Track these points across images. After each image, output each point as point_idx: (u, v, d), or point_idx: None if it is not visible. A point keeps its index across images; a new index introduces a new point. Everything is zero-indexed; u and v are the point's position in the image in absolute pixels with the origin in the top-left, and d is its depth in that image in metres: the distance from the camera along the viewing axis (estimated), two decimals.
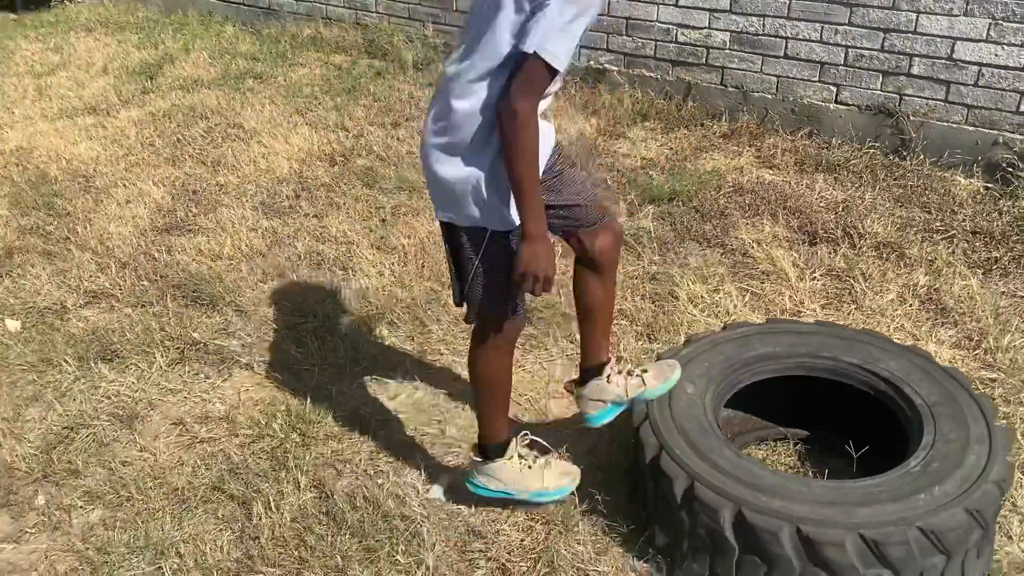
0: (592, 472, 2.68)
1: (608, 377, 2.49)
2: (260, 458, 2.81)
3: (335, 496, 2.64)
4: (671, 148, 4.58)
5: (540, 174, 2.05)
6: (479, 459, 2.46)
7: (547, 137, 2.15)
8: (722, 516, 2.13)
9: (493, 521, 2.53)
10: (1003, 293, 3.36)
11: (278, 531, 2.52)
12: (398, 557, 2.42)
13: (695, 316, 3.31)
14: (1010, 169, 4.04)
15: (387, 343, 3.34)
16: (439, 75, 2.32)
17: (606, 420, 2.54)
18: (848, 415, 2.67)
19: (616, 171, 4.37)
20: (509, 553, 2.42)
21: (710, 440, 2.32)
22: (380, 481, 2.70)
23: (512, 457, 2.44)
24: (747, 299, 3.43)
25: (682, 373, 2.54)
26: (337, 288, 3.66)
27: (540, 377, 3.13)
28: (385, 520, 2.55)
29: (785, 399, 2.73)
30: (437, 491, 2.66)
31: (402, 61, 5.75)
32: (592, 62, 5.24)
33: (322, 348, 3.31)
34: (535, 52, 1.87)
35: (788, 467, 2.71)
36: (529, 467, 2.45)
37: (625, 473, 2.62)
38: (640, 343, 3.21)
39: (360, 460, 2.79)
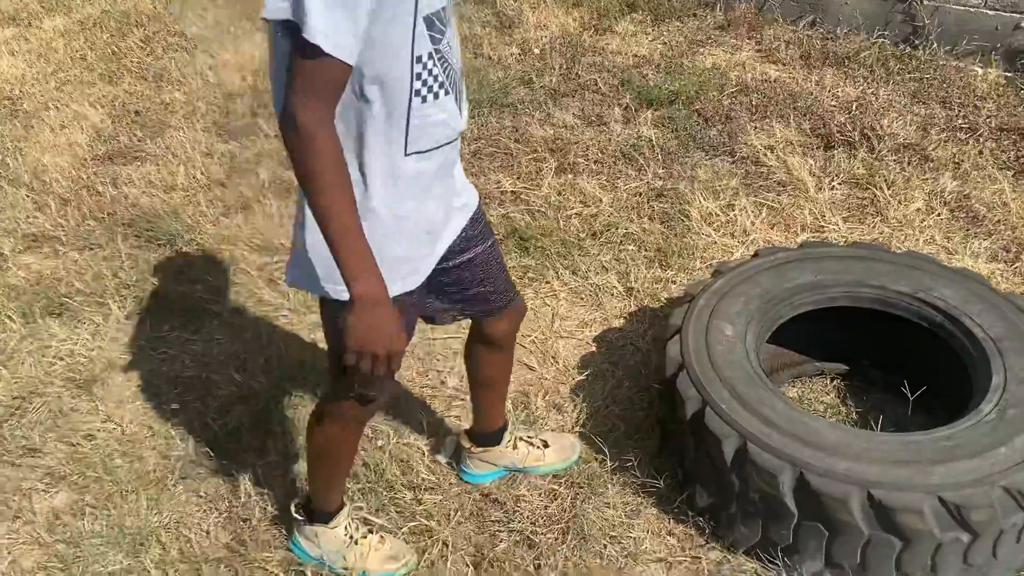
0: (614, 424, 2.43)
1: (512, 444, 2.25)
2: (243, 423, 2.51)
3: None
4: (664, 43, 4.18)
5: (435, 245, 1.63)
6: (300, 518, 2.07)
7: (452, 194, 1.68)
8: (782, 481, 1.88)
9: (511, 486, 2.28)
10: None
11: (271, 509, 2.24)
12: (408, 535, 2.16)
13: (711, 237, 3.02)
14: None
15: None
16: None
17: (483, 482, 2.28)
18: (893, 348, 2.43)
19: (607, 71, 3.97)
20: (533, 523, 2.18)
21: (759, 390, 2.05)
22: (380, 443, 2.42)
23: (337, 527, 2.06)
24: (764, 214, 3.14)
25: (717, 308, 2.26)
26: None
27: (543, 315, 2.83)
28: (390, 491, 2.28)
29: (822, 331, 2.47)
30: (445, 453, 2.38)
31: None
32: None
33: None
34: (295, 31, 1.30)
35: (828, 407, 2.48)
36: (356, 542, 2.07)
37: (657, 422, 2.37)
38: (652, 271, 2.92)
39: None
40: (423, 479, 2.30)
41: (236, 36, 4.50)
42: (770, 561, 2.01)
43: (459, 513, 2.23)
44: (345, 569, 2.07)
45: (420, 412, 2.51)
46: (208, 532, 2.22)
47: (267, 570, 2.12)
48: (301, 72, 1.34)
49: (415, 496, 2.27)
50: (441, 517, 2.21)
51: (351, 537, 2.08)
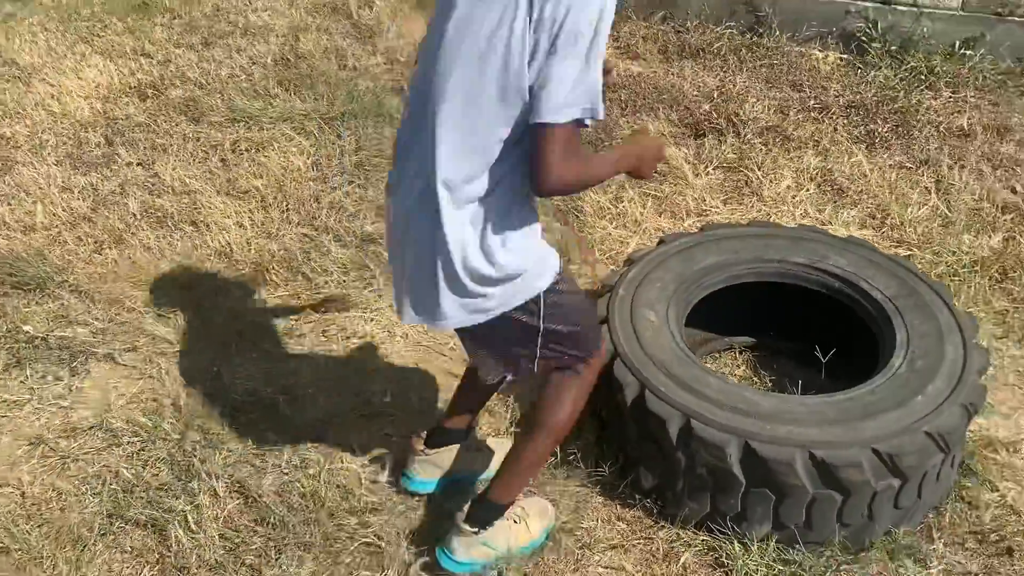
0: None
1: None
2: (158, 469, 2.35)
3: (264, 498, 2.26)
4: None
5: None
6: (474, 529, 2.01)
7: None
8: (729, 452, 1.96)
9: (458, 499, 2.25)
10: (891, 166, 3.39)
11: (208, 554, 2.12)
12: (360, 570, 2.09)
13: (606, 230, 3.10)
14: (864, 38, 4.06)
15: (271, 305, 2.89)
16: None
17: (427, 490, 2.25)
18: (796, 317, 2.58)
19: None
20: None
21: (692, 369, 2.13)
22: (312, 471, 2.33)
23: (508, 517, 2.05)
24: (651, 204, 3.26)
25: (636, 296, 2.33)
26: (193, 247, 3.12)
27: None
28: (332, 518, 2.20)
29: (728, 308, 2.59)
30: (385, 472, 2.33)
31: None
32: None
33: (194, 324, 2.81)
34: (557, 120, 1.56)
35: (743, 378, 2.61)
36: (515, 522, 2.06)
37: (592, 414, 2.41)
38: None
39: (281, 451, 2.40)
40: (365, 502, 2.24)
41: (75, 62, 4.20)
42: (720, 531, 2.09)
43: (408, 530, 2.19)
44: (518, 548, 2.05)
45: (351, 436, 2.44)
46: None
47: None
48: (564, 146, 1.58)
49: (359, 520, 2.20)
50: (390, 538, 2.16)
51: (514, 519, 2.05)
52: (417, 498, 2.25)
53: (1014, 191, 3.22)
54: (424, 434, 2.26)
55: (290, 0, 4.70)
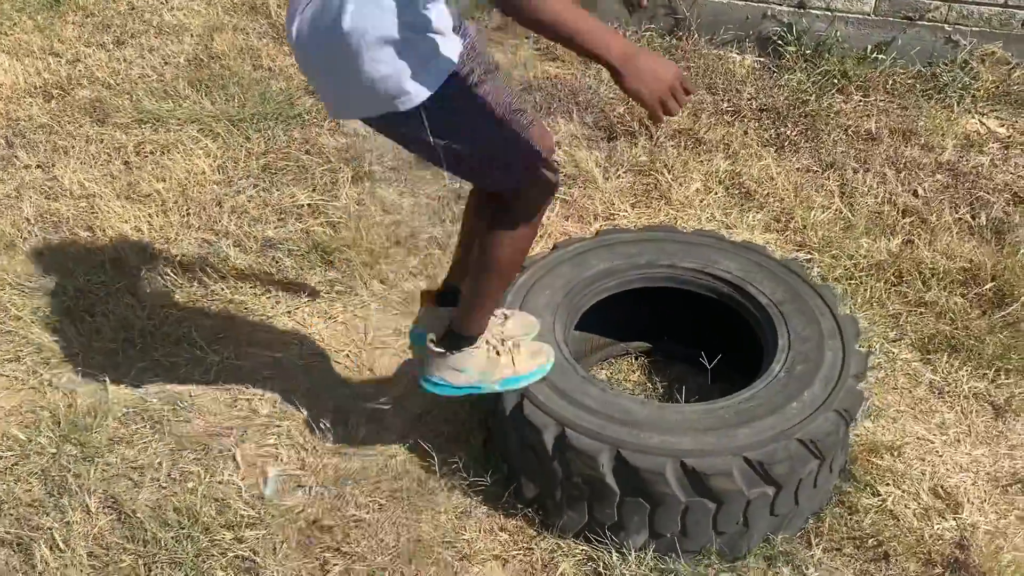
0: (438, 428, 2.42)
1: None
2: (30, 485, 2.28)
3: (138, 514, 2.19)
4: None
5: None
6: (442, 351, 2.07)
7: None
8: (600, 462, 1.95)
9: (337, 510, 2.21)
10: (798, 169, 3.40)
11: (74, 574, 2.05)
12: (232, 573, 2.04)
13: None
14: (780, 42, 4.08)
15: (164, 313, 2.82)
16: None
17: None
18: (689, 322, 2.57)
19: None
20: (366, 543, 2.12)
21: (572, 379, 2.11)
22: (191, 485, 2.27)
23: (480, 346, 2.08)
24: (558, 208, 3.23)
25: (525, 304, 2.30)
26: (86, 253, 3.03)
27: (355, 328, 2.77)
28: (206, 533, 2.15)
29: (624, 313, 2.57)
30: (270, 487, 2.28)
31: None
32: None
33: (83, 330, 2.73)
34: None
35: (636, 384, 2.60)
36: (497, 353, 2.08)
37: (479, 422, 2.38)
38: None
39: (160, 464, 2.33)
40: (242, 516, 2.19)
41: None
42: (599, 541, 2.07)
43: (284, 545, 2.14)
44: (494, 383, 2.07)
45: (232, 448, 2.38)
46: None
47: None
48: None
49: (235, 535, 2.15)
50: (266, 552, 2.11)
51: (495, 350, 2.05)
52: (294, 511, 2.20)
53: (916, 195, 3.25)
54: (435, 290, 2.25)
55: None
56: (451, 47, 1.73)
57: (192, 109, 3.74)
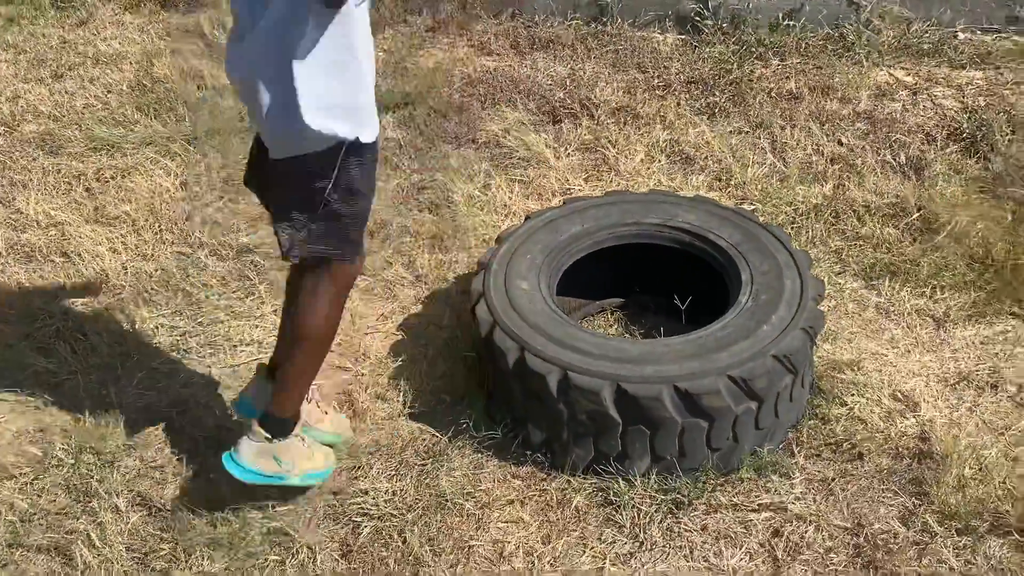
0: (439, 397, 2.58)
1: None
2: (55, 495, 2.36)
3: (168, 507, 2.30)
4: (384, 50, 4.35)
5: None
6: (269, 436, 2.12)
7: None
8: (603, 396, 2.14)
9: (355, 480, 2.35)
10: (730, 132, 3.67)
11: (117, 567, 2.15)
12: (269, 555, 2.16)
13: (478, 216, 3.24)
14: (697, 18, 4.35)
15: (155, 325, 2.90)
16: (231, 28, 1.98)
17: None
18: (658, 274, 2.78)
19: None
20: (390, 504, 2.27)
21: (565, 328, 2.30)
22: (213, 476, 2.38)
23: (295, 435, 2.17)
24: (518, 188, 3.42)
25: (509, 269, 2.48)
26: (66, 278, 3.10)
27: (342, 318, 2.90)
28: (238, 516, 2.26)
29: (595, 274, 2.77)
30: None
31: (37, 3, 4.85)
32: None
33: (77, 351, 2.80)
34: None
35: (616, 335, 2.80)
36: (307, 446, 2.20)
37: (479, 385, 2.54)
38: (434, 256, 3.09)
39: (181, 460, 2.43)
40: (268, 496, 2.30)
41: None
42: (606, 473, 2.26)
43: (314, 518, 2.27)
44: (298, 475, 2.16)
45: None
46: None
47: None
48: None
49: (265, 515, 2.27)
50: (298, 526, 2.24)
51: (305, 443, 2.16)
52: (316, 487, 2.33)
53: (840, 143, 3.54)
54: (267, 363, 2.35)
55: (140, 27, 4.66)
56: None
57: (145, 132, 3.81)
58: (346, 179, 1.92)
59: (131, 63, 4.34)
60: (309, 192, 1.93)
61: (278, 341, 2.34)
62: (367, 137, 1.93)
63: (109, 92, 4.14)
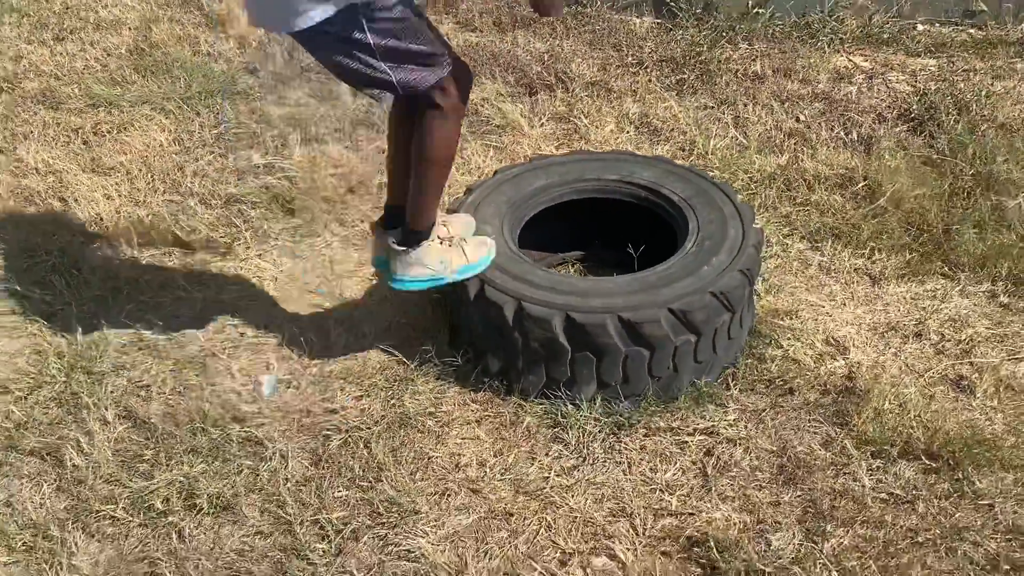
0: (408, 332, 2.78)
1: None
2: (48, 407, 2.55)
3: (152, 420, 2.49)
4: None
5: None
6: (403, 248, 2.38)
7: None
8: (554, 324, 2.34)
9: (332, 400, 2.55)
10: (697, 107, 3.88)
11: (105, 469, 2.34)
12: (244, 460, 2.36)
13: (454, 176, 3.44)
14: (672, 3, 4.57)
15: (144, 263, 3.10)
16: None
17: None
18: (617, 228, 2.98)
19: None
20: (358, 420, 2.47)
21: (521, 265, 2.50)
22: (195, 394, 2.58)
23: (434, 239, 2.41)
24: (492, 153, 3.63)
25: (476, 215, 2.68)
26: (63, 219, 3.29)
27: (321, 263, 3.10)
28: (217, 427, 2.46)
29: (556, 227, 2.96)
30: (266, 387, 2.60)
31: None
32: None
33: (71, 284, 2.99)
34: None
35: None
36: (450, 245, 2.44)
37: (446, 322, 2.74)
38: None
39: (164, 380, 2.63)
40: (247, 411, 2.51)
41: None
42: (555, 397, 2.47)
43: (288, 431, 2.47)
44: (452, 272, 2.40)
45: (227, 364, 2.69)
46: (43, 504, 2.27)
47: (116, 517, 2.23)
48: None
49: (243, 427, 2.47)
50: (272, 436, 2.43)
51: (447, 242, 2.38)
52: (290, 404, 2.53)
53: (798, 120, 3.76)
54: (379, 218, 2.54)
55: None
56: None
57: (141, 92, 4.00)
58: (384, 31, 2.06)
59: (130, 28, 4.53)
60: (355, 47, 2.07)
61: (390, 187, 2.51)
62: None
63: (108, 55, 4.33)
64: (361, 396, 2.56)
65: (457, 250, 2.45)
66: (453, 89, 2.24)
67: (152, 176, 3.49)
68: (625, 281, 2.44)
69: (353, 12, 2.02)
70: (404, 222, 2.42)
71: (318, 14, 2.00)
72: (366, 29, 2.05)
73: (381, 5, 2.04)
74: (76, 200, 3.36)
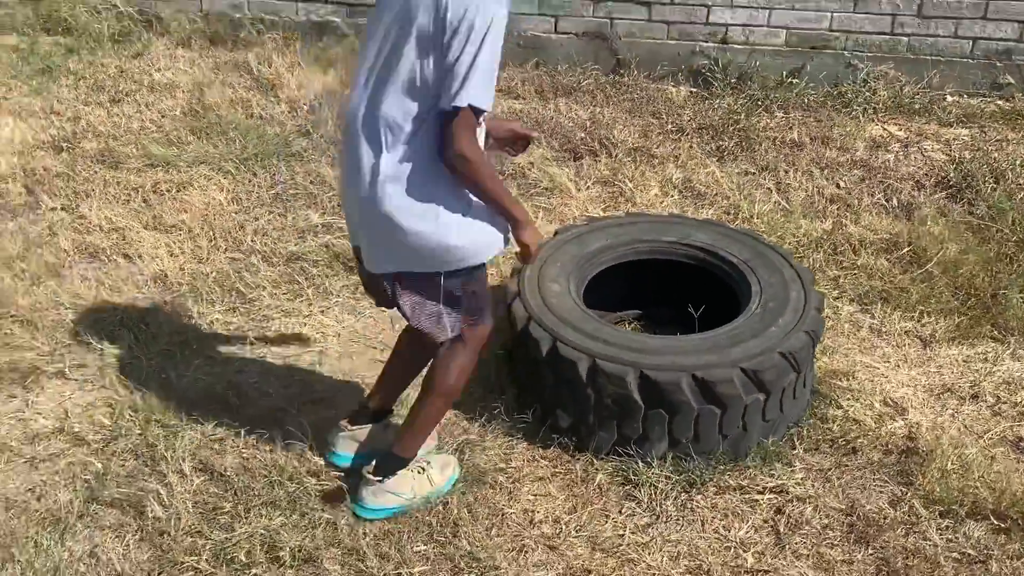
0: (472, 389, 2.81)
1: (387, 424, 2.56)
2: (125, 459, 2.60)
3: (229, 473, 2.53)
4: None
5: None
6: (378, 478, 2.38)
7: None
8: (628, 381, 2.41)
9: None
10: (738, 173, 4.00)
11: (186, 521, 2.38)
12: (322, 513, 2.40)
13: None
14: (708, 73, 4.73)
15: (211, 319, 3.17)
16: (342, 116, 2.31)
17: (346, 464, 2.52)
18: (672, 288, 3.06)
19: None
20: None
21: (592, 323, 2.58)
22: (268, 448, 2.63)
23: (410, 468, 2.42)
24: (542, 215, 3.73)
25: (541, 274, 2.77)
26: (129, 275, 3.37)
27: (383, 320, 3.18)
28: (293, 480, 2.50)
29: (614, 286, 3.05)
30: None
31: (95, 35, 5.21)
32: (311, 16, 5.19)
33: (140, 339, 3.06)
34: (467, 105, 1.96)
35: None
36: (420, 472, 2.44)
37: (510, 378, 2.80)
38: None
39: (238, 434, 2.67)
40: (320, 465, 2.55)
41: None
42: (626, 455, 2.51)
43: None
44: (417, 500, 2.40)
45: (296, 420, 2.75)
46: (126, 555, 2.31)
47: (200, 569, 2.26)
48: (467, 126, 2.00)
49: (319, 480, 2.51)
50: (350, 486, 2.47)
51: (416, 469, 2.41)
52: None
53: (838, 186, 3.87)
54: (352, 413, 2.59)
55: (191, 60, 5.01)
56: (501, 224, 2.23)
57: (198, 152, 4.13)
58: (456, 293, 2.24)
59: (183, 91, 4.68)
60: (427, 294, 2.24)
61: (376, 388, 2.60)
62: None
63: (163, 116, 4.47)
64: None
65: (423, 477, 2.44)
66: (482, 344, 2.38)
67: (213, 234, 3.59)
68: (696, 340, 2.51)
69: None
70: (384, 453, 2.43)
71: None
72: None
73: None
74: (140, 256, 3.45)
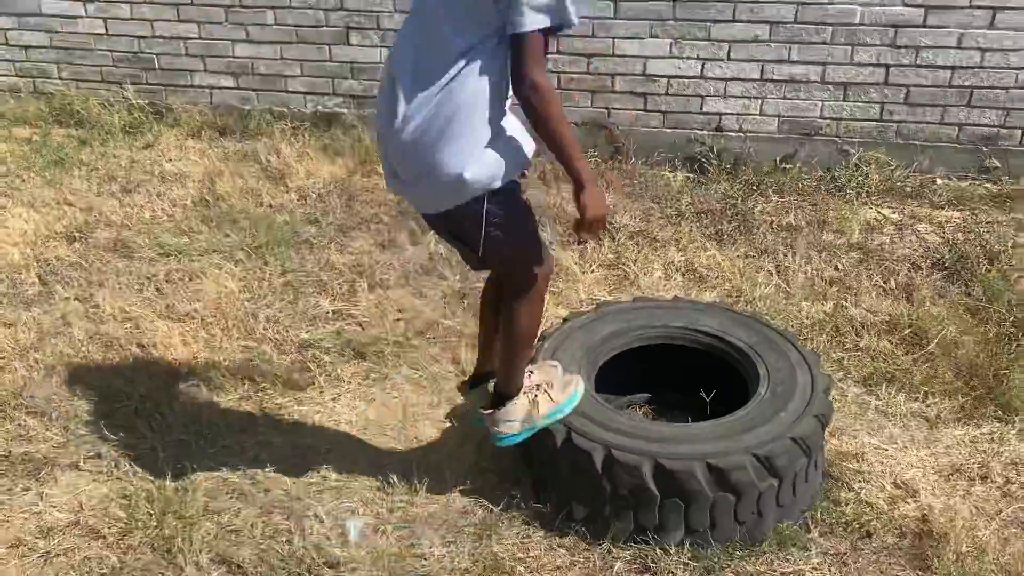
0: (488, 476, 2.86)
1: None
2: (141, 552, 2.59)
3: (246, 566, 2.53)
4: None
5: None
6: (492, 411, 2.58)
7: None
8: (643, 471, 2.44)
9: (411, 547, 2.60)
10: (738, 256, 4.09)
11: None
12: None
13: None
14: (703, 159, 4.88)
15: (224, 408, 3.20)
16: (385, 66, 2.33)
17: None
18: (680, 372, 3.11)
19: (384, 205, 4.53)
20: (447, 569, 2.52)
21: (606, 412, 2.62)
22: (285, 539, 2.63)
23: (519, 397, 2.57)
24: (548, 298, 3.79)
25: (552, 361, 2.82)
26: (143, 364, 3.41)
27: (395, 407, 3.21)
28: (312, 572, 2.50)
29: (622, 371, 3.10)
30: (353, 532, 2.65)
31: (107, 127, 5.36)
32: (320, 107, 5.34)
33: (155, 428, 3.08)
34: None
35: None
36: (535, 397, 2.58)
37: (526, 465, 2.83)
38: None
39: (254, 525, 2.68)
40: (338, 556, 2.55)
41: None
42: (644, 542, 2.53)
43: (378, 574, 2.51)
44: (540, 419, 2.56)
45: (313, 507, 2.76)
46: None
47: None
48: (536, 53, 2.02)
49: (336, 572, 2.51)
50: None
51: (529, 393, 2.53)
52: (379, 550, 2.57)
53: (837, 268, 3.97)
54: (466, 379, 2.84)
55: (201, 151, 5.15)
56: (528, 144, 2.30)
57: (209, 241, 4.21)
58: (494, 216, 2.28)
59: (194, 181, 4.80)
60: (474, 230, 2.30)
61: (480, 357, 2.78)
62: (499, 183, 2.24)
63: (174, 206, 4.57)
64: (448, 542, 2.61)
65: (542, 397, 2.59)
66: (546, 279, 2.51)
67: (226, 322, 3.64)
68: (708, 427, 2.55)
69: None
70: (494, 386, 2.64)
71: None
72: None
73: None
74: (154, 346, 3.50)
